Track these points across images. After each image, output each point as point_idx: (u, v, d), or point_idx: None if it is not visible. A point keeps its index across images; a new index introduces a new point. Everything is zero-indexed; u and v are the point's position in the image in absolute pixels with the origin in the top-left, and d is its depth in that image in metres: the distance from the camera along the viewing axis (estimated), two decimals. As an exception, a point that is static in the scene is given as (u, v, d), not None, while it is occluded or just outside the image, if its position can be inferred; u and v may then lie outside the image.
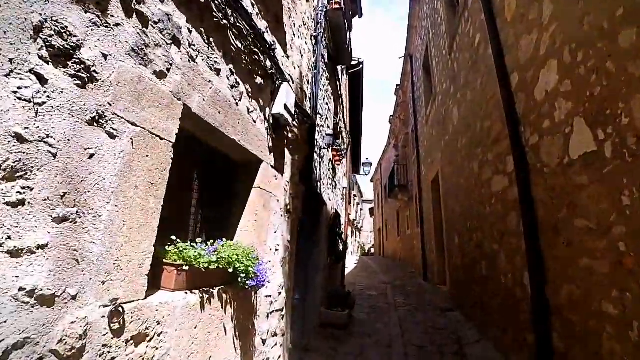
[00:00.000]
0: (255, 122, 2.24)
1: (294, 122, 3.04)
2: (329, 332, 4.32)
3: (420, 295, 6.96)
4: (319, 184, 4.65)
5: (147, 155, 1.33)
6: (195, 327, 1.59)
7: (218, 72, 1.83)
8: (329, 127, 5.41)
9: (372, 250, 30.95)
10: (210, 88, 1.75)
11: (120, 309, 1.21)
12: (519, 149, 3.12)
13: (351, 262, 16.71)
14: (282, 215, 2.82)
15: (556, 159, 2.60)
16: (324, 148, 5.17)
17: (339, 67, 7.19)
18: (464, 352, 3.72)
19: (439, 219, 7.39)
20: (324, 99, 4.85)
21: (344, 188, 8.54)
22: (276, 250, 2.68)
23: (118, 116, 1.22)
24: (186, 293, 1.56)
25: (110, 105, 1.19)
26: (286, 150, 2.90)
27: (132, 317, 1.26)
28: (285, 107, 2.50)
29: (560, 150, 2.54)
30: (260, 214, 2.34)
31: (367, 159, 12.82)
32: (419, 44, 9.75)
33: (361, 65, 10.27)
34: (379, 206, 25.77)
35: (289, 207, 3.00)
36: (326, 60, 5.22)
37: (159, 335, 1.37)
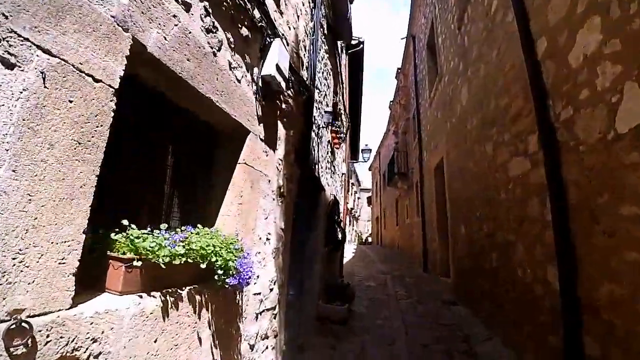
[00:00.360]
0: (239, 81, 1.81)
1: (289, 92, 2.61)
2: (327, 328, 3.99)
3: (421, 287, 6.66)
4: (317, 166, 4.25)
5: (70, 101, 0.91)
6: (156, 341, 1.20)
7: (187, 6, 1.39)
8: (327, 105, 4.97)
9: (370, 240, 30.80)
10: (176, 25, 1.32)
11: (25, 324, 0.81)
12: (547, 126, 2.72)
13: (349, 251, 16.45)
14: (274, 199, 2.42)
15: (596, 134, 2.20)
16: (323, 127, 4.75)
17: (338, 43, 6.70)
18: (474, 350, 3.40)
19: (442, 207, 7.04)
20: (322, 72, 4.40)
21: (342, 174, 8.15)
22: (267, 239, 2.29)
23: (19, 35, 0.80)
24: (140, 296, 1.16)
25: (6, 17, 0.77)
26: (279, 123, 2.48)
27: (48, 336, 0.86)
28: (278, 68, 2.07)
29: (602, 123, 2.15)
30: (246, 196, 1.94)
31: (366, 145, 12.41)
32: (422, 22, 9.22)
33: (361, 45, 9.75)
34: (377, 195, 25.49)
35: (282, 190, 2.60)
36: (325, 31, 4.74)
37: (96, 358, 0.98)
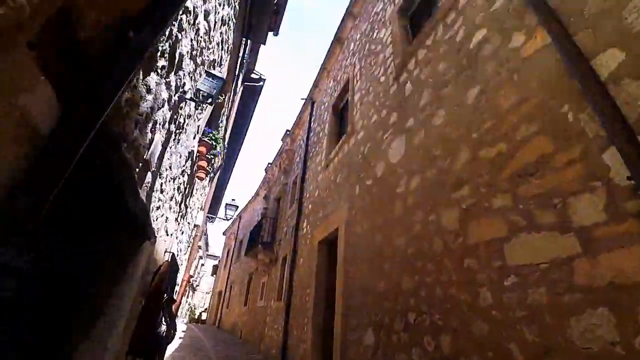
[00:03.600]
0: None
1: None
2: None
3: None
4: (145, 175, 1.92)
5: None
6: None
7: None
8: (215, 63, 2.87)
9: (204, 317, 25.53)
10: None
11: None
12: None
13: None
14: None
15: None
16: (189, 117, 2.54)
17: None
18: None
19: (326, 296, 5.27)
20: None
21: (195, 226, 5.58)
22: None
23: None
24: None
25: None
26: None
27: None
28: None
29: None
30: None
31: (233, 200, 10.15)
32: (330, 85, 8.65)
33: (262, 82, 8.34)
34: (226, 265, 22.05)
35: None
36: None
37: None
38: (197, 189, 4.64)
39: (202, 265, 37.06)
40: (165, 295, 2.94)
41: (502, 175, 2.22)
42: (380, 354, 3.13)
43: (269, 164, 15.27)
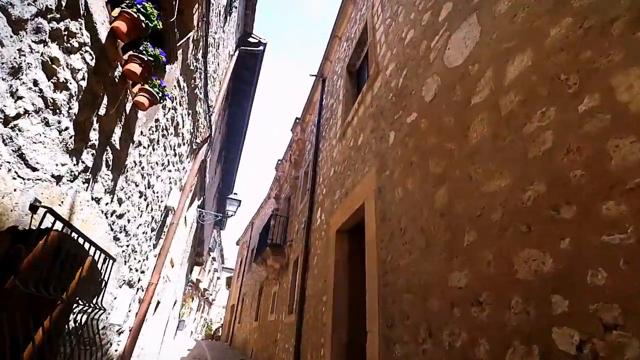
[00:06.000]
0: None
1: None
2: None
3: None
4: None
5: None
6: None
7: None
8: None
9: (220, 332, 24.01)
10: None
11: None
12: None
13: (180, 348, 10.43)
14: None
15: None
16: None
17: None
18: None
19: (352, 305, 3.65)
20: None
21: (167, 209, 4.06)
22: None
23: None
24: None
25: None
26: None
27: None
28: None
29: None
30: None
31: (235, 193, 8.67)
32: (345, 47, 7.15)
33: (262, 47, 6.93)
34: (238, 275, 20.58)
35: None
36: None
37: None
38: (162, 150, 3.16)
39: (218, 278, 35.83)
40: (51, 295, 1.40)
41: None
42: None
43: (279, 160, 13.89)
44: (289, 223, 9.81)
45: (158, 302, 5.43)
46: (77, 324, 2.08)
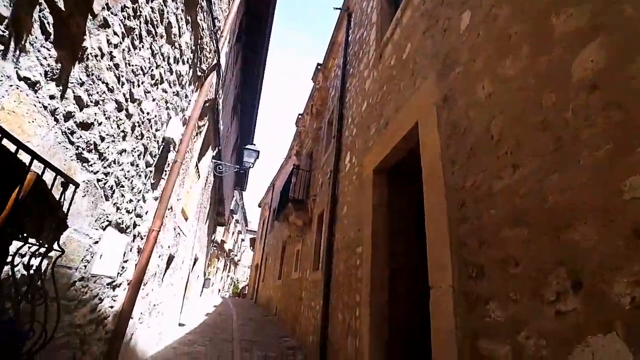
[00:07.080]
0: None
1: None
2: None
3: None
4: None
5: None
6: None
7: None
8: None
9: (246, 291, 24.80)
10: None
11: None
12: None
13: (206, 305, 10.53)
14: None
15: None
16: None
17: None
18: None
19: (389, 251, 2.91)
20: None
21: (165, 141, 3.34)
22: None
23: None
24: None
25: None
26: None
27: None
28: None
29: None
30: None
31: (253, 144, 7.95)
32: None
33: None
34: (261, 236, 20.58)
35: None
36: None
37: None
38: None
39: (243, 240, 36.68)
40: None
41: None
42: None
43: (299, 115, 12.95)
44: (312, 177, 9.08)
45: (171, 257, 4.94)
46: (16, 266, 1.41)
